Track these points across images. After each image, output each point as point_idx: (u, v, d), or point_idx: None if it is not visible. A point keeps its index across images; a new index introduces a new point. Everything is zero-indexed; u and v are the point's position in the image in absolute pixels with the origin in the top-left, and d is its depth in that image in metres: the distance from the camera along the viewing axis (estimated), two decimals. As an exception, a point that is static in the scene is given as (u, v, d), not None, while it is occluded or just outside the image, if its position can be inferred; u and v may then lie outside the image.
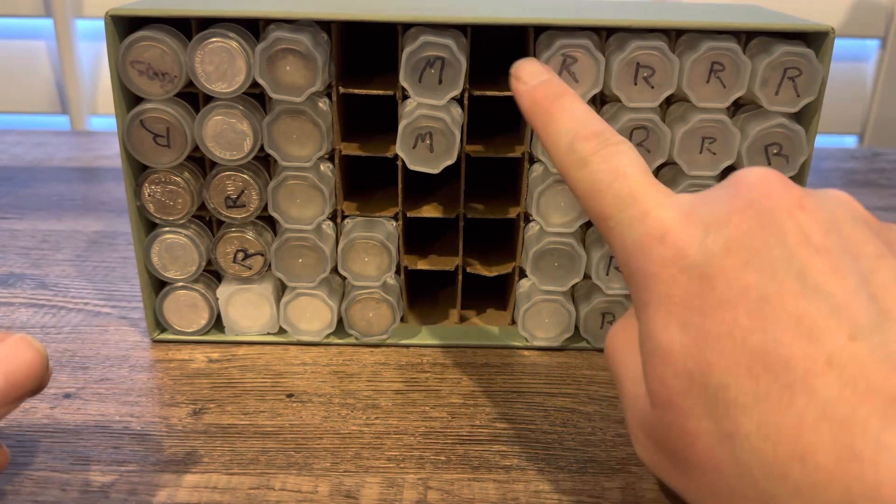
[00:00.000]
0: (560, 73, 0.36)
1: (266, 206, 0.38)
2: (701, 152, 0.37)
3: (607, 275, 0.39)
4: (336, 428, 0.35)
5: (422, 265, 0.42)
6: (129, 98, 0.37)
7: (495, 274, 0.42)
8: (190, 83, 0.36)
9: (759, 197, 0.23)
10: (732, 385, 0.21)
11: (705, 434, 0.22)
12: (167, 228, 0.39)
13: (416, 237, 0.44)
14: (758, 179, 0.23)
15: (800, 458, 0.20)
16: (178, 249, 0.39)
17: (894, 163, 0.75)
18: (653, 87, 0.35)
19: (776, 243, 0.22)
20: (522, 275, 0.41)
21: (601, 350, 0.41)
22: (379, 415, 0.36)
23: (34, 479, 0.32)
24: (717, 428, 0.22)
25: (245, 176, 0.38)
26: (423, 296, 0.45)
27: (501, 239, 0.44)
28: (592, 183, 0.27)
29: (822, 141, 0.93)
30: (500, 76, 0.41)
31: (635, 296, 0.25)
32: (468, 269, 0.42)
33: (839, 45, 0.90)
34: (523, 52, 0.38)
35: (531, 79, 0.31)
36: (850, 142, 0.95)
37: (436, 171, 0.37)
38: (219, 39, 0.35)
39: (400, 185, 0.39)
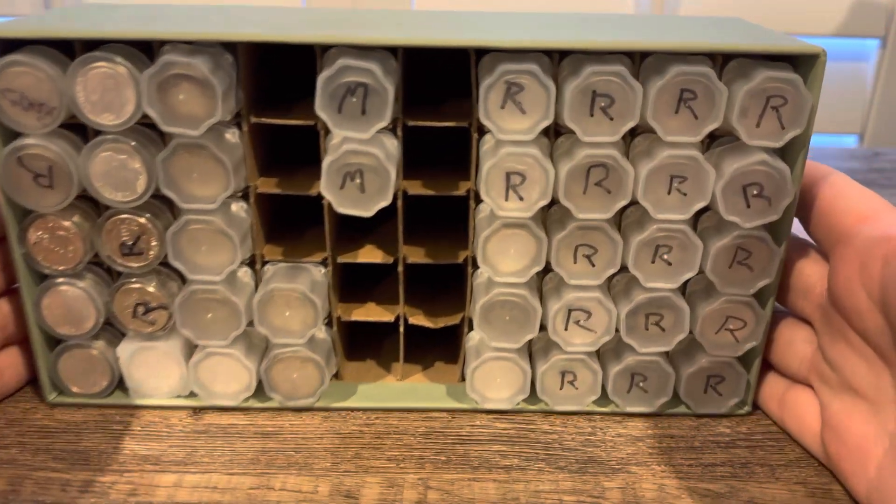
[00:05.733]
0: (504, 104, 0.30)
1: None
2: (669, 193, 0.31)
3: (566, 329, 0.34)
4: (336, 428, 0.35)
5: (357, 315, 0.37)
6: (4, 132, 0.31)
7: (441, 326, 0.36)
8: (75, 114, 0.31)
9: None
10: None
11: None
12: (60, 279, 0.34)
13: (353, 282, 0.38)
14: None
15: None
16: (72, 302, 0.34)
17: (894, 163, 0.75)
18: (612, 119, 0.30)
19: None
20: (472, 326, 0.36)
21: (561, 413, 0.36)
22: (379, 415, 0.36)
23: (34, 479, 0.32)
24: None
25: (141, 220, 0.33)
26: (363, 347, 0.40)
27: (449, 284, 0.39)
28: None
29: (822, 141, 0.92)
30: (443, 103, 0.35)
31: None
32: (410, 320, 0.37)
33: (839, 44, 0.88)
34: (466, 77, 0.33)
35: None
36: (850, 142, 0.95)
37: (368, 214, 0.32)
38: (103, 64, 0.30)
39: (327, 227, 0.34)
